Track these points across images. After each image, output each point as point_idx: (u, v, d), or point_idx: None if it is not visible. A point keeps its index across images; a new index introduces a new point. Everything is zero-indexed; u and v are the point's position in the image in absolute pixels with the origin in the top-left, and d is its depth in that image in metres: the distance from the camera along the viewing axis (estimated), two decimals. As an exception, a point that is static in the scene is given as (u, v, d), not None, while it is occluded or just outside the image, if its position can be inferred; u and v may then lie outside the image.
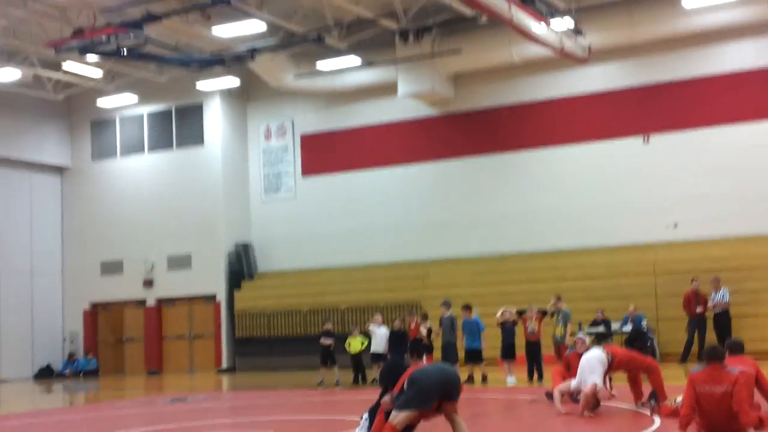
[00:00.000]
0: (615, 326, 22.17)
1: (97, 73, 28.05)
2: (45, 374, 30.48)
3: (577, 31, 22.77)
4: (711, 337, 21.31)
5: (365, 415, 8.88)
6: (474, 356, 19.13)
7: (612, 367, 12.51)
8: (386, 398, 8.47)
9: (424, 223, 27.55)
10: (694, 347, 21.53)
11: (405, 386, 8.18)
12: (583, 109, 25.89)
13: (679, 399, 10.85)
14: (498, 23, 21.78)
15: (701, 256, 23.22)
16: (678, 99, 24.71)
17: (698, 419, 9.76)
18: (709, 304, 21.63)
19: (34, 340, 30.81)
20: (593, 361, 12.40)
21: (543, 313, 19.20)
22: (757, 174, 23.64)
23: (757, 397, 10.43)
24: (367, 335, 20.79)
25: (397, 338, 19.98)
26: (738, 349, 10.89)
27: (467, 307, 19.43)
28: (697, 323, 21.72)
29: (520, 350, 19.14)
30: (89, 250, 31.47)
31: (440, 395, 8.15)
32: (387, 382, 8.65)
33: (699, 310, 21.70)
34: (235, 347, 28.97)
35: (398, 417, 8.04)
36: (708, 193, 24.05)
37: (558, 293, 20.37)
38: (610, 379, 13.07)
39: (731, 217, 23.63)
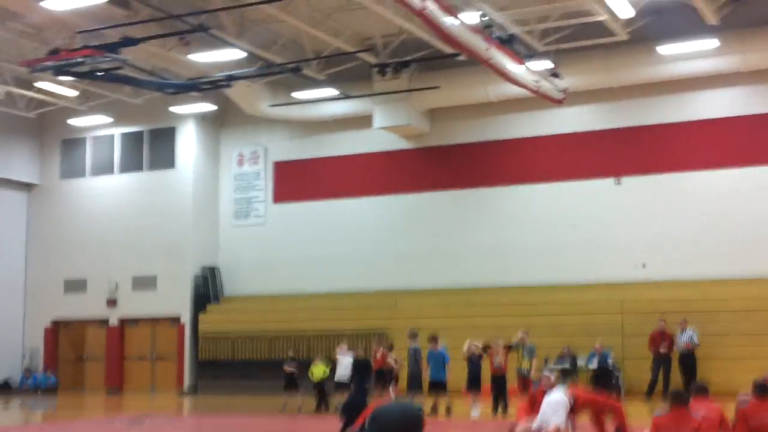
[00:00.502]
0: (581, 362, 22.24)
1: (71, 93, 27.95)
2: (3, 389, 29.95)
3: (554, 74, 22.98)
4: (676, 376, 21.41)
5: None
6: (438, 387, 19.04)
7: (574, 409, 12.46)
8: None
9: (394, 253, 27.51)
10: (659, 385, 21.64)
11: (367, 423, 8.00)
12: (557, 148, 26.08)
13: (643, 438, 10.81)
14: (475, 61, 21.95)
15: (668, 297, 23.35)
16: (651, 143, 24.97)
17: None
18: (680, 344, 21.71)
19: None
20: (554, 403, 12.35)
21: (509, 348, 19.22)
22: (725, 219, 23.86)
23: None
24: (331, 363, 20.68)
25: (360, 367, 19.84)
26: (703, 391, 10.90)
27: (434, 338, 19.39)
28: (661, 362, 21.83)
29: (486, 382, 19.09)
30: (53, 268, 31.14)
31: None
32: (348, 417, 8.55)
33: (663, 349, 21.81)
34: (198, 369, 28.70)
35: None
36: (677, 236, 24.25)
37: (525, 328, 20.37)
38: (573, 421, 12.92)
39: (699, 260, 23.82)
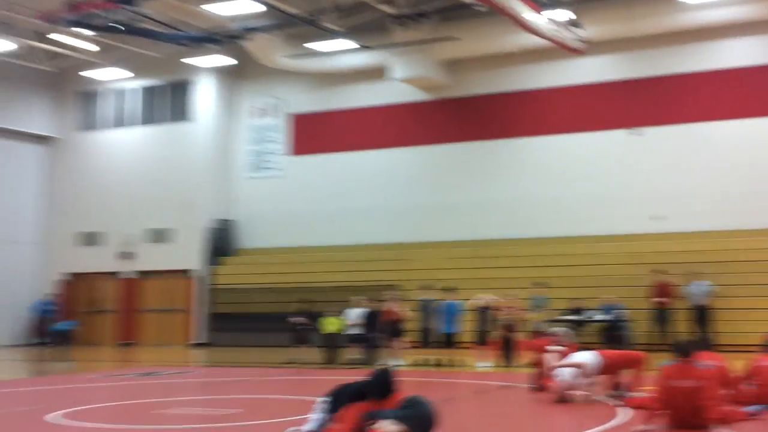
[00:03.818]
0: (592, 315, 22.01)
1: (89, 46, 27.88)
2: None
3: (574, 23, 22.53)
4: (683, 328, 21.13)
5: (322, 399, 8.44)
6: (450, 340, 19.02)
7: (602, 371, 12.25)
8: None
9: (409, 206, 27.41)
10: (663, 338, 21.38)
11: (404, 403, 7.87)
12: (576, 99, 25.81)
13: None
14: (495, 11, 21.51)
15: (682, 248, 23.20)
16: (670, 93, 24.65)
17: (665, 413, 9.60)
18: (694, 296, 21.40)
19: (14, 307, 30.44)
20: (579, 362, 12.17)
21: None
22: (741, 170, 23.66)
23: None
24: (343, 317, 20.56)
25: (371, 318, 19.82)
26: (705, 345, 10.83)
27: (450, 290, 19.29)
28: (661, 314, 21.68)
29: (494, 335, 19.00)
30: (70, 221, 31.33)
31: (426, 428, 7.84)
32: (379, 394, 8.15)
33: (662, 301, 21.62)
34: (212, 322, 28.78)
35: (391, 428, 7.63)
36: (693, 188, 24.07)
37: (539, 280, 20.16)
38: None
39: (714, 212, 23.65)
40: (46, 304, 30.12)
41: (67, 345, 29.24)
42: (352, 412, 7.93)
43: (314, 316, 20.92)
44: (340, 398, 8.25)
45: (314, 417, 8.31)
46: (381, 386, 8.11)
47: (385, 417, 7.69)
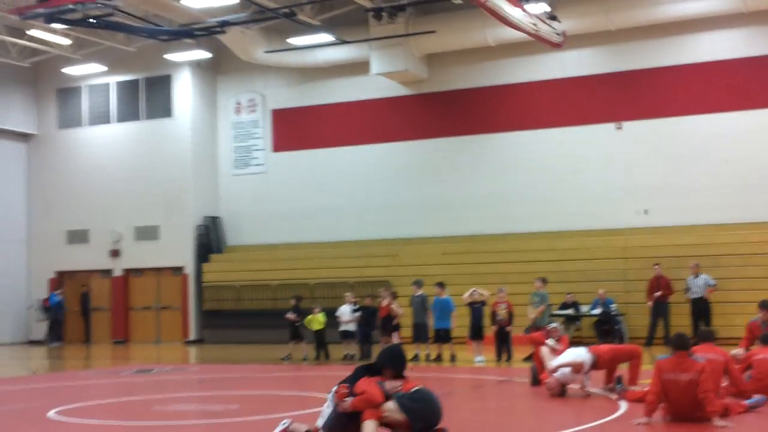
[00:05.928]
0: (584, 309, 22.29)
1: (64, 41, 27.69)
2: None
3: (552, 16, 22.68)
4: (678, 320, 21.35)
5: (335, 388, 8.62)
6: (443, 336, 19.16)
7: (596, 367, 12.47)
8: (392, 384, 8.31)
9: (394, 201, 27.43)
10: (662, 331, 21.66)
11: (413, 393, 8.18)
12: (556, 93, 25.87)
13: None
14: (473, 5, 21.64)
15: (670, 242, 23.37)
16: (651, 87, 24.79)
17: (664, 406, 9.85)
18: (693, 289, 21.58)
19: (6, 306, 30.48)
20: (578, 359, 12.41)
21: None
22: (726, 163, 23.76)
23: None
24: (329, 312, 20.66)
25: (366, 315, 20.00)
26: (708, 337, 11.02)
27: (441, 285, 19.43)
28: (657, 308, 21.85)
29: (488, 330, 19.20)
30: (55, 219, 31.09)
31: (429, 426, 8.19)
32: (393, 366, 8.44)
33: (657, 294, 21.75)
34: (202, 319, 28.82)
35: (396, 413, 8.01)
36: (678, 181, 24.19)
37: (541, 275, 20.17)
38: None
39: (701, 205, 23.79)
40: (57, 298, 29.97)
41: (60, 339, 29.22)
42: (371, 380, 8.21)
43: (304, 313, 21.00)
44: (352, 380, 8.45)
45: (325, 410, 8.50)
46: (395, 358, 8.46)
47: (395, 398, 8.11)
